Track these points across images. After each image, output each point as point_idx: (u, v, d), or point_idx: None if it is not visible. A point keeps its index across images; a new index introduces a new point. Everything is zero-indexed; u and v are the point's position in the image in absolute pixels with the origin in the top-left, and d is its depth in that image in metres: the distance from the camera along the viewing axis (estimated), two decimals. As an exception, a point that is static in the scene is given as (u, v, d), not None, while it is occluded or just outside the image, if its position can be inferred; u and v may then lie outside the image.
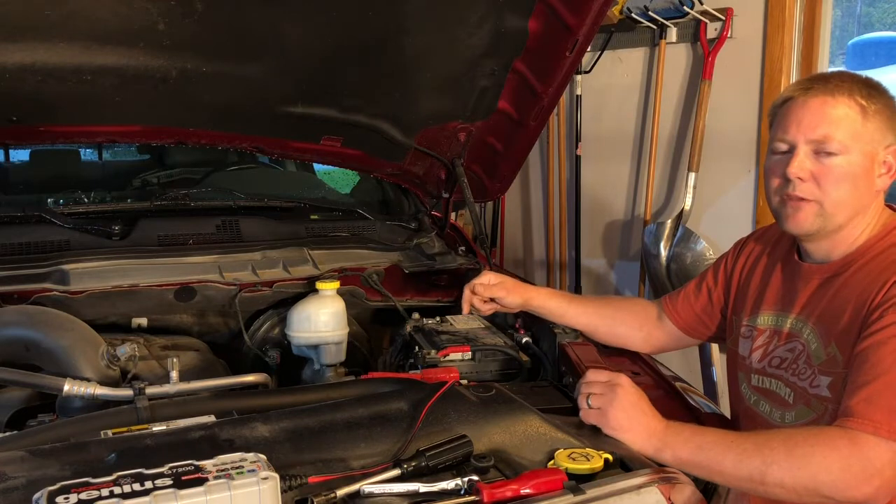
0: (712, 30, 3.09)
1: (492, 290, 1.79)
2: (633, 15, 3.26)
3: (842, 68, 3.63)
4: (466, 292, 1.81)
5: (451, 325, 1.91)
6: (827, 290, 1.42)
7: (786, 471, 1.19)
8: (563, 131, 3.73)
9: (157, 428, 1.26)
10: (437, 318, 1.95)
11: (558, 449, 1.20)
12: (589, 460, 1.16)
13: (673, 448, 1.26)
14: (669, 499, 1.12)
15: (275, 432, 1.21)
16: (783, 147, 1.42)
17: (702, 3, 3.10)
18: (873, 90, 1.38)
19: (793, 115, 1.40)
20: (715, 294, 1.69)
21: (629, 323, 1.77)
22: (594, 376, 1.39)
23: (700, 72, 3.15)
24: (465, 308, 1.83)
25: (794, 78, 2.94)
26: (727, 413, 1.66)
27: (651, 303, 1.81)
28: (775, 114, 1.46)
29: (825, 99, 1.37)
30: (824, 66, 2.99)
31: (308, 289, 1.94)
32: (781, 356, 1.48)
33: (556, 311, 1.77)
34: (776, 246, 1.60)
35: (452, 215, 2.57)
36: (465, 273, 2.21)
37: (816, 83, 1.40)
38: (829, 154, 1.36)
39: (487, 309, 1.83)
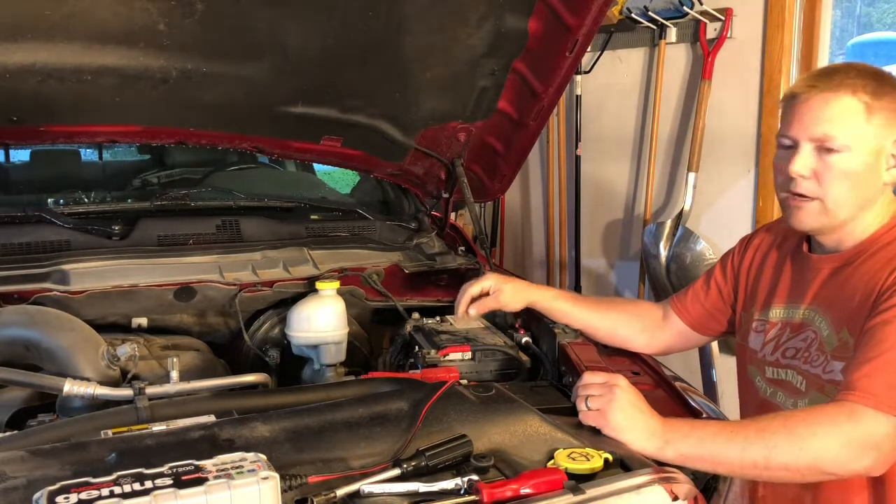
0: (712, 30, 3.09)
1: (491, 299, 1.77)
2: (632, 15, 3.26)
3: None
4: (465, 297, 1.78)
5: (451, 324, 1.91)
6: (837, 278, 1.43)
7: (788, 453, 1.20)
8: (563, 131, 3.73)
9: (157, 428, 1.26)
10: (437, 318, 1.95)
11: (558, 449, 1.20)
12: (589, 460, 1.17)
13: (674, 445, 1.26)
14: (672, 491, 1.12)
15: (275, 432, 1.21)
16: (787, 142, 1.43)
17: (701, 4, 3.10)
18: (882, 83, 1.37)
19: (796, 111, 1.40)
20: (724, 290, 1.69)
21: (632, 325, 1.76)
22: (591, 378, 1.39)
23: (700, 72, 3.15)
24: (460, 311, 1.78)
25: (793, 78, 2.94)
26: (727, 413, 1.66)
27: (656, 305, 1.80)
28: (782, 108, 1.47)
29: (826, 96, 1.36)
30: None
31: (308, 289, 1.94)
32: (795, 346, 1.48)
33: (558, 313, 1.77)
34: (785, 240, 1.60)
35: (452, 215, 2.56)
36: (464, 273, 2.21)
37: (820, 79, 1.39)
38: (830, 151, 1.36)
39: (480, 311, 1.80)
